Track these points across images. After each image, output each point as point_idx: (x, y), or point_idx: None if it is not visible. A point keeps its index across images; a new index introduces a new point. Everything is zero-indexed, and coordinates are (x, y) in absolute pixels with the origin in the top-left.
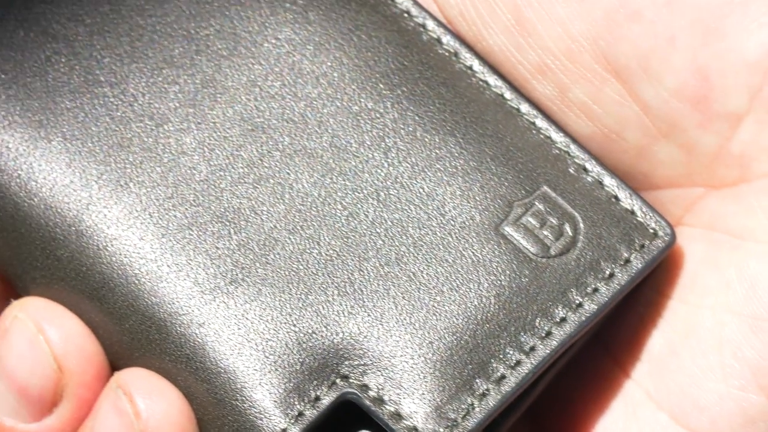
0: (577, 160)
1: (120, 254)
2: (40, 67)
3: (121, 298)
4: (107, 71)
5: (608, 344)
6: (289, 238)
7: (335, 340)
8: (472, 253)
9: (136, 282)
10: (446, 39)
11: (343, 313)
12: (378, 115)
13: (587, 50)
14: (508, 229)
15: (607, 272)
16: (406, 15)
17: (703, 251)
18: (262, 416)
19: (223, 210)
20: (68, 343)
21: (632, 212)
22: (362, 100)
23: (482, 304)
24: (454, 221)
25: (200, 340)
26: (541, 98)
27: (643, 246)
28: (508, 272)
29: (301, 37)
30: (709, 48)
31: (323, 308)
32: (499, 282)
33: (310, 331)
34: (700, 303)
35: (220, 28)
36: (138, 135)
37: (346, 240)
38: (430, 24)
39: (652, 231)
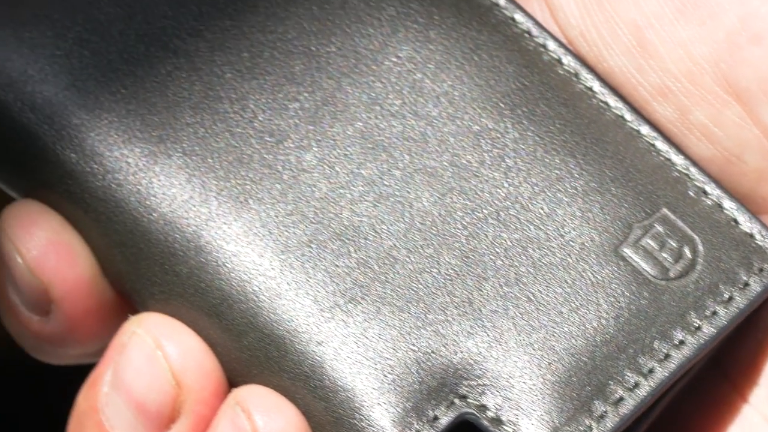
0: (696, 183)
1: (239, 270)
2: (160, 82)
3: (240, 314)
4: (228, 87)
5: (725, 369)
6: (409, 257)
7: (454, 360)
8: (591, 274)
9: (255, 298)
10: (567, 59)
11: (462, 332)
12: (498, 135)
13: (708, 72)
14: (628, 251)
15: (726, 295)
16: (526, 35)
17: None
18: None
19: (342, 228)
20: (186, 359)
21: (751, 236)
22: (483, 119)
23: (601, 326)
24: (573, 242)
25: (319, 358)
26: (661, 120)
27: (762, 269)
28: (627, 294)
29: (422, 56)
30: None
31: (442, 328)
32: (617, 303)
33: (428, 351)
34: None
35: (341, 46)
36: (258, 151)
37: (465, 259)
38: (551, 44)
39: None
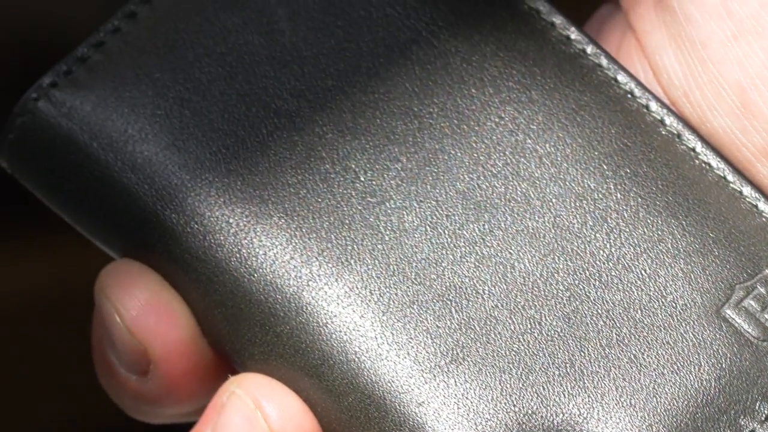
0: None
1: (340, 331)
2: (261, 142)
3: (341, 375)
4: (329, 147)
5: None
6: (511, 318)
7: (555, 421)
8: (693, 335)
9: (356, 359)
10: (669, 120)
11: (564, 393)
12: (601, 196)
13: None
14: (729, 312)
15: None
16: (629, 96)
17: None
18: None
19: (444, 289)
20: (286, 419)
21: None
22: (585, 180)
23: (702, 387)
24: (675, 303)
25: (420, 420)
26: (764, 181)
27: None
28: (728, 355)
29: (525, 116)
30: None
31: (544, 389)
32: (719, 365)
33: (530, 412)
34: None
35: (444, 106)
36: (360, 212)
37: (567, 320)
38: (654, 105)
39: None
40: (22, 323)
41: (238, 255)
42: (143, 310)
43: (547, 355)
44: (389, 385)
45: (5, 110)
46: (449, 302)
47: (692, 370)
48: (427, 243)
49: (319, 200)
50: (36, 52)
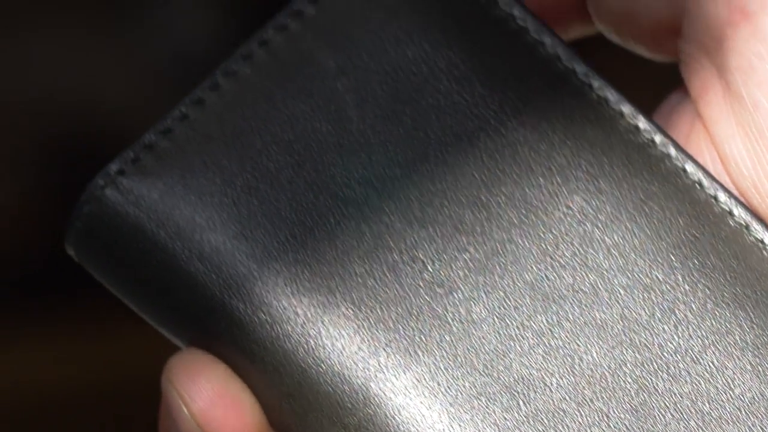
0: None
1: (408, 423)
2: (329, 231)
3: None
4: (397, 237)
5: None
6: (579, 410)
7: None
8: (761, 428)
9: None
10: (738, 211)
11: None
12: (669, 288)
13: None
14: None
15: None
16: (697, 186)
17: None
18: None
19: (512, 380)
20: None
21: None
22: (653, 271)
23: None
24: (743, 396)
25: None
26: None
27: None
28: None
29: (593, 207)
30: None
31: None
32: None
33: None
34: None
35: (512, 195)
36: (427, 302)
37: (635, 413)
38: (722, 196)
39: None
40: (68, 411)
41: (305, 345)
42: (211, 401)
43: None
44: None
45: (54, 196)
46: (517, 394)
47: None
48: (495, 334)
49: (387, 290)
50: (85, 141)
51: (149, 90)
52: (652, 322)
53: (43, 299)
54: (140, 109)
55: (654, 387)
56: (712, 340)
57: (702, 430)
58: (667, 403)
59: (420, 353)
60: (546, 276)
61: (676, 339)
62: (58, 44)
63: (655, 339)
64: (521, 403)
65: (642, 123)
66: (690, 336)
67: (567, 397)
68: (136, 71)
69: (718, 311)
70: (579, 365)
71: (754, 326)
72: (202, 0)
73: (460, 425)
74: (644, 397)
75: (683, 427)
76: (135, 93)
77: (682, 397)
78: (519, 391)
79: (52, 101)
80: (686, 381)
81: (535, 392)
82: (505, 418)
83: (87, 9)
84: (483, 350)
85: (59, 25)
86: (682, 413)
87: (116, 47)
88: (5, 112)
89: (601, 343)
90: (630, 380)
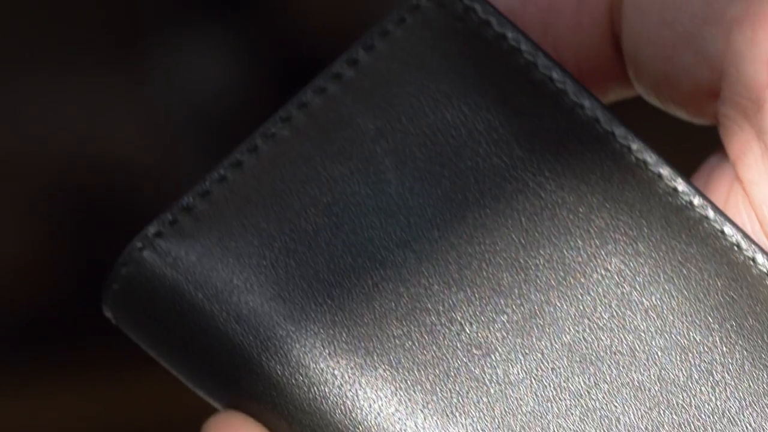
0: None
1: None
2: (367, 293)
3: None
4: (435, 299)
5: None
6: None
7: None
8: None
9: None
10: None
11: None
12: (706, 349)
13: None
14: None
15: None
16: (736, 248)
17: None
18: None
19: None
20: None
21: None
22: (691, 333)
23: None
24: None
25: None
26: None
27: None
28: None
29: (631, 269)
30: None
31: None
32: None
33: None
34: None
35: (550, 258)
36: (465, 364)
37: None
38: (760, 258)
39: None
40: None
41: (342, 407)
42: None
43: None
44: None
45: (63, 246)
46: None
47: None
48: (533, 395)
49: (424, 352)
50: (94, 191)
51: (159, 140)
52: (690, 383)
53: (50, 348)
54: (150, 159)
55: None
56: (750, 401)
57: None
58: None
59: (458, 415)
60: (584, 338)
61: (714, 400)
62: (66, 93)
63: (693, 400)
64: None
65: (681, 185)
66: (727, 397)
67: None
68: (146, 122)
69: (755, 373)
70: (616, 427)
71: None
72: (212, 52)
73: None
74: None
75: None
76: (145, 143)
77: None
78: None
79: (60, 150)
80: None
81: None
82: None
83: (98, 59)
84: (520, 411)
85: (68, 73)
86: None
87: (126, 98)
88: (16, 160)
89: (638, 404)
90: None
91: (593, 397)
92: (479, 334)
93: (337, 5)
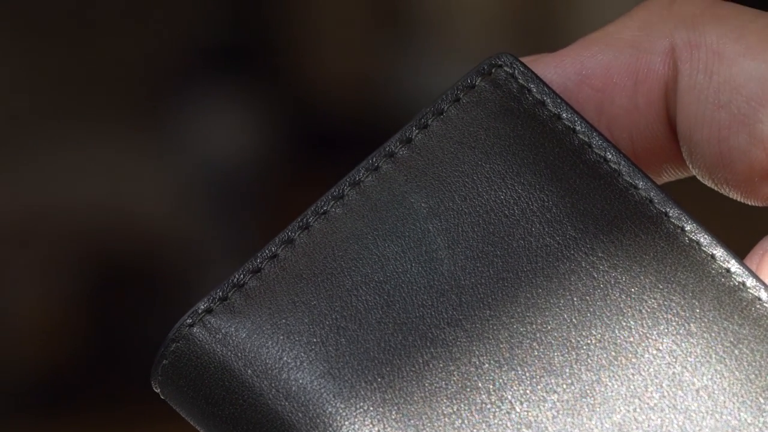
0: None
1: None
2: (417, 371)
3: None
4: (486, 378)
5: None
6: None
7: None
8: None
9: None
10: None
11: None
12: (757, 429)
13: None
14: None
15: None
16: None
17: None
18: None
19: None
20: None
21: None
22: (741, 413)
23: None
24: None
25: None
26: None
27: None
28: None
29: (683, 349)
30: None
31: None
32: None
33: None
34: None
35: (602, 338)
36: None
37: None
38: None
39: None
40: None
41: None
42: None
43: None
44: None
45: (82, 304)
46: None
47: None
48: None
49: (474, 431)
50: (113, 250)
51: (178, 201)
52: None
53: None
54: (169, 220)
55: None
56: None
57: None
58: None
59: None
60: (635, 418)
61: None
62: (85, 156)
63: None
64: None
65: (734, 266)
66: None
67: None
68: (165, 182)
69: None
70: None
71: None
72: (230, 113)
73: None
74: None
75: None
76: (163, 204)
77: None
78: None
79: (80, 213)
80: None
81: None
82: None
83: (117, 121)
84: None
85: (88, 137)
86: None
87: (145, 159)
88: (35, 223)
89: None
90: None
91: None
92: (530, 414)
93: (355, 67)
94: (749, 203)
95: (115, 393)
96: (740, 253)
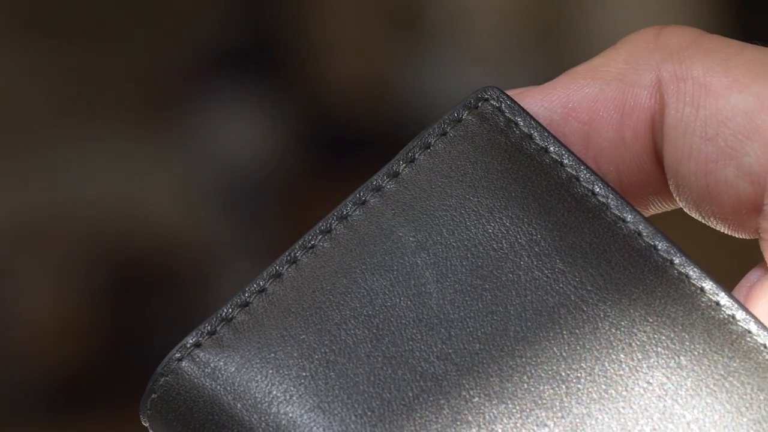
0: None
1: None
2: (407, 405)
3: None
4: (476, 411)
5: None
6: None
7: None
8: None
9: None
10: None
11: None
12: None
13: None
14: None
15: None
16: None
17: None
18: None
19: None
20: None
21: None
22: None
23: None
24: None
25: None
26: None
27: None
28: None
29: (673, 382)
30: None
31: None
32: None
33: None
34: None
35: (591, 371)
36: None
37: None
38: None
39: None
40: None
41: None
42: None
43: None
44: None
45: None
46: None
47: None
48: None
49: None
50: (125, 252)
51: (191, 203)
52: None
53: (83, 407)
54: (181, 222)
55: None
56: None
57: None
58: None
59: None
60: None
61: None
62: (99, 158)
63: None
64: None
65: (723, 299)
66: None
67: None
68: (178, 185)
69: None
70: None
71: None
72: (244, 116)
73: None
74: None
75: None
76: (176, 206)
77: None
78: None
79: (94, 214)
80: None
81: None
82: None
83: (131, 124)
84: None
85: (102, 139)
86: None
87: (158, 161)
88: (51, 225)
89: None
90: None
91: None
92: None
93: (370, 68)
94: (737, 236)
95: (129, 392)
96: (728, 286)
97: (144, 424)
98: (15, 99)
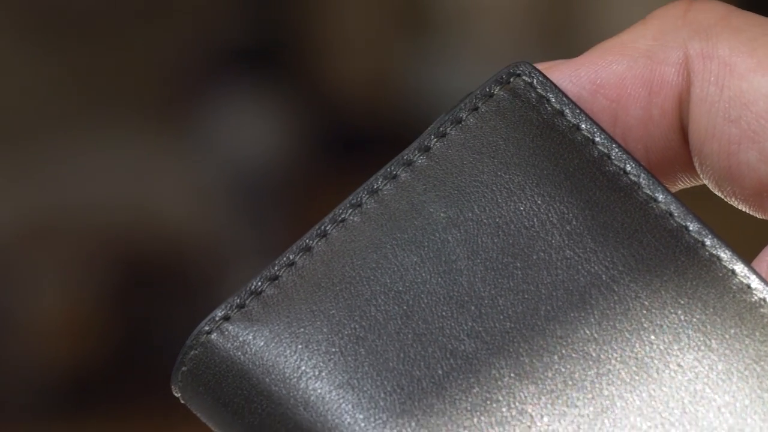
0: None
1: None
2: (437, 383)
3: None
4: (506, 391)
5: None
6: None
7: None
8: None
9: None
10: None
11: None
12: None
13: None
14: None
15: None
16: None
17: None
18: None
19: None
20: None
21: None
22: (764, 430)
23: None
24: None
25: None
26: None
27: None
28: None
29: (704, 365)
30: None
31: None
32: None
33: None
34: None
35: (622, 352)
36: None
37: None
38: None
39: None
40: None
41: None
42: None
43: None
44: None
45: (107, 302)
46: None
47: None
48: None
49: None
50: (136, 249)
51: (201, 200)
52: None
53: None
54: (192, 218)
55: None
56: None
57: None
58: None
59: None
60: None
61: None
62: (110, 156)
63: None
64: None
65: (754, 282)
66: None
67: None
68: (188, 182)
69: None
70: None
71: None
72: (255, 113)
73: None
74: None
75: None
76: (187, 203)
77: None
78: None
79: (104, 212)
80: None
81: None
82: None
83: (142, 121)
84: None
85: (112, 136)
86: None
87: (169, 159)
88: (62, 222)
89: None
90: None
91: None
92: (550, 427)
93: (378, 67)
94: (758, 216)
95: (141, 391)
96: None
97: (176, 395)
98: (24, 98)
